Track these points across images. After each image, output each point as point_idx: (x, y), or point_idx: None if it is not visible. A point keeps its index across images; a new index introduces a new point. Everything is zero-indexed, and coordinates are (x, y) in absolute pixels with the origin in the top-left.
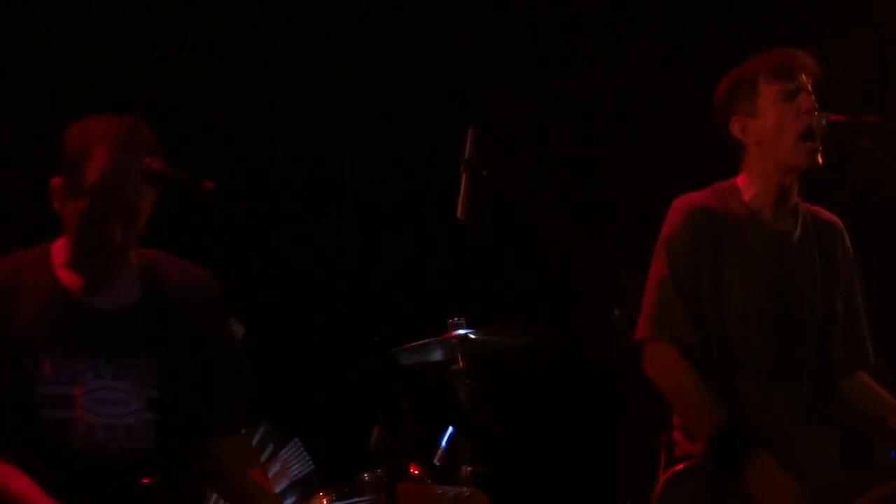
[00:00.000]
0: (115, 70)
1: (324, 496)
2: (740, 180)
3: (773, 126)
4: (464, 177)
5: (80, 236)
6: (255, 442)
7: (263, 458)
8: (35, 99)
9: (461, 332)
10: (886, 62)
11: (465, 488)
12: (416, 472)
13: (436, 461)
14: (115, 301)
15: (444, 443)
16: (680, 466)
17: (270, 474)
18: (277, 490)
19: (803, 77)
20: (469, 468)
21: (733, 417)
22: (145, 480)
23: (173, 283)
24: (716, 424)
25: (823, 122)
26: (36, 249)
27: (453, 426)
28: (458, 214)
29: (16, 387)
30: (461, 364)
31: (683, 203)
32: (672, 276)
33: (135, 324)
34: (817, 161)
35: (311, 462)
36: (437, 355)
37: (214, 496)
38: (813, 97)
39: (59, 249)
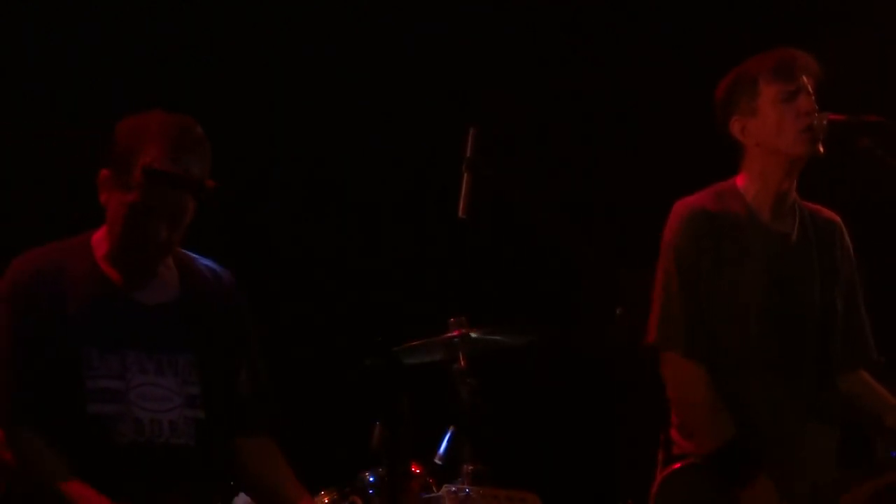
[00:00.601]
0: (114, 70)
1: (325, 494)
2: (739, 180)
3: (773, 127)
4: (465, 176)
5: (125, 231)
6: None
7: None
8: (35, 99)
9: (462, 331)
10: (886, 62)
11: (514, 492)
12: (418, 470)
13: (437, 460)
14: (158, 296)
15: (445, 442)
16: (678, 465)
17: None
18: None
19: (804, 78)
20: (470, 467)
21: (739, 435)
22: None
23: (209, 283)
24: (721, 441)
25: (824, 122)
26: (77, 239)
27: (454, 425)
28: (460, 214)
29: (64, 379)
30: (462, 363)
31: (683, 207)
32: (679, 281)
33: (176, 320)
34: (818, 150)
35: None
36: (439, 354)
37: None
38: (813, 98)
39: (100, 241)
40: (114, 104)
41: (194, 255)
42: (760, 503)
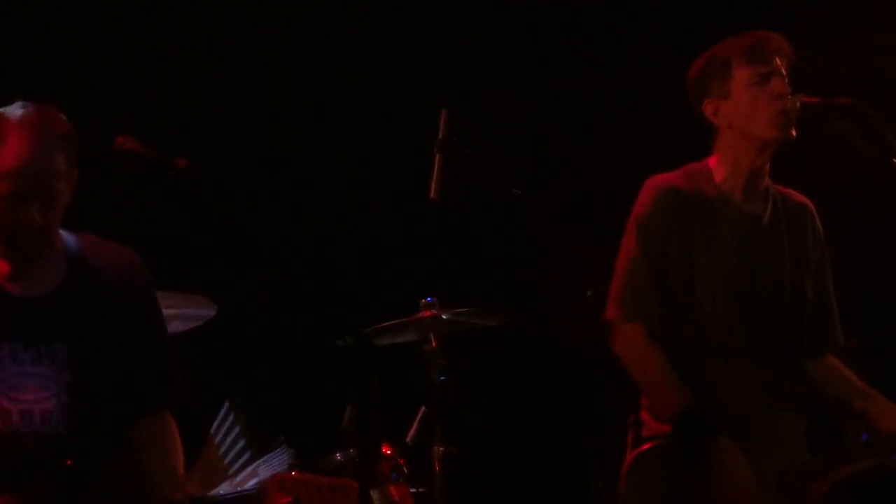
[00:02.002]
0: (115, 70)
1: (297, 475)
2: (712, 161)
3: (746, 110)
4: (437, 157)
5: (0, 220)
6: (220, 419)
7: (231, 433)
8: (34, 99)
9: (433, 312)
10: (886, 62)
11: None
12: (389, 451)
13: (408, 441)
14: (37, 287)
15: (416, 423)
16: (647, 446)
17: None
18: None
19: (777, 60)
20: (441, 448)
21: (697, 400)
22: (67, 462)
23: (99, 266)
24: (678, 407)
25: (797, 104)
26: None
27: (425, 406)
28: (431, 194)
29: None
30: (433, 344)
31: (654, 184)
32: (642, 256)
33: (54, 310)
34: (791, 134)
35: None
36: (410, 336)
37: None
38: (786, 81)
39: None
40: (24, 91)
41: (96, 239)
42: (726, 467)
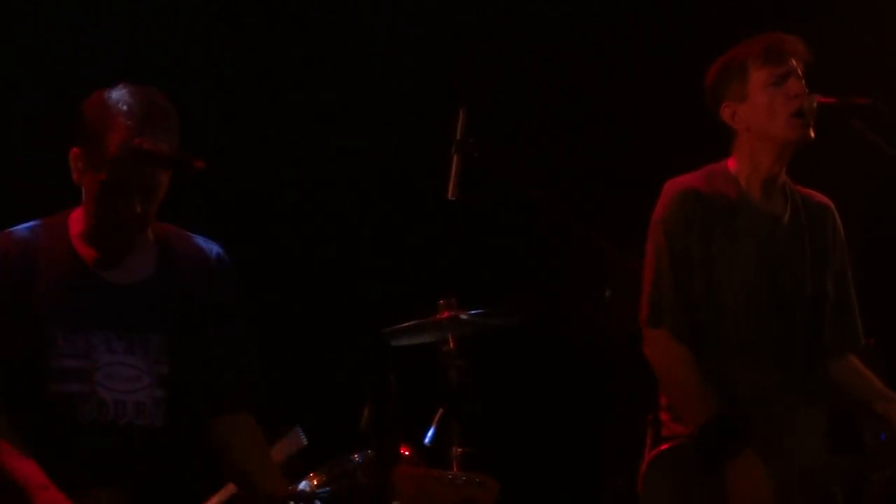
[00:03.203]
0: (115, 70)
1: (314, 476)
2: (731, 163)
3: (763, 111)
4: (455, 158)
5: (99, 208)
6: None
7: None
8: (35, 100)
9: (452, 312)
10: (886, 61)
11: (472, 475)
12: (407, 453)
13: (426, 442)
14: (131, 276)
15: (434, 424)
16: (666, 446)
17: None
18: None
19: (793, 61)
20: (459, 449)
21: (724, 410)
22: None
23: (188, 259)
24: (704, 417)
25: (814, 104)
26: (54, 218)
27: (443, 407)
28: (449, 195)
29: (27, 357)
30: (452, 345)
31: (674, 186)
32: (668, 259)
33: (149, 299)
34: (809, 135)
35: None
36: (428, 336)
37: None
38: (803, 81)
39: (77, 220)
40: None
41: (182, 231)
42: (748, 482)
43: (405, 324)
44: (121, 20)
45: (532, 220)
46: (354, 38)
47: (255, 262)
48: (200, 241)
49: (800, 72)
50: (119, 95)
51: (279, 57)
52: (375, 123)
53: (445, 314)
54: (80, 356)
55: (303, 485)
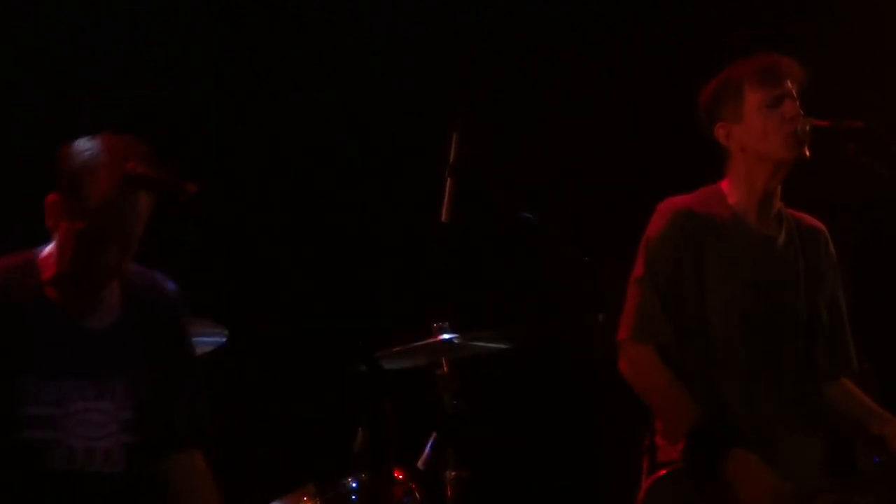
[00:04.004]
0: (115, 70)
1: (308, 500)
2: (724, 184)
3: (759, 132)
4: (448, 181)
5: (74, 256)
6: None
7: None
8: (35, 100)
9: (445, 336)
10: (886, 61)
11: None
12: (400, 476)
13: (420, 466)
14: (101, 320)
15: (427, 447)
16: (663, 472)
17: None
18: None
19: (788, 83)
20: (453, 473)
21: (710, 413)
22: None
23: (149, 300)
24: (691, 421)
25: (808, 127)
26: (22, 257)
27: (437, 430)
28: (442, 218)
29: None
30: (445, 368)
31: (667, 206)
32: (652, 277)
33: (117, 343)
34: (804, 154)
35: None
36: (421, 360)
37: None
38: (798, 103)
39: (47, 262)
40: (115, 124)
41: (138, 269)
42: (747, 473)
43: (398, 347)
44: (121, 20)
45: (525, 244)
46: (350, 53)
47: (246, 286)
48: (157, 280)
49: (795, 94)
50: (102, 146)
51: (274, 85)
52: (368, 147)
53: (438, 337)
54: (50, 403)
55: None
